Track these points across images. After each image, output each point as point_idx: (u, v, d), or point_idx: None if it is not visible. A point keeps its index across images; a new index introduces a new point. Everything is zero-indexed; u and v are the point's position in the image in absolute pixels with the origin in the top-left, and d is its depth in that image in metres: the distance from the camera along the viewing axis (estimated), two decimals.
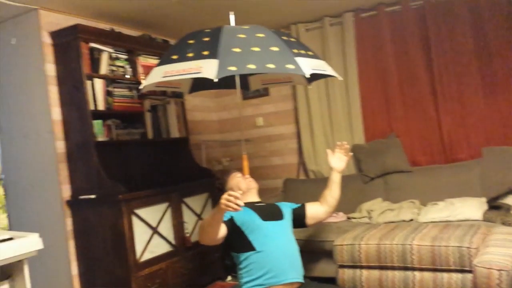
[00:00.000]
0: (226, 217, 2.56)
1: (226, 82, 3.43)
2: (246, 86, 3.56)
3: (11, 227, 3.00)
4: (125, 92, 3.63)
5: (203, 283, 3.84)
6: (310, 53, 2.77)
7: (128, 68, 3.69)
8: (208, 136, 5.00)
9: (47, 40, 3.37)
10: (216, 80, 2.33)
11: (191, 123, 4.52)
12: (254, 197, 2.89)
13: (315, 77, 3.43)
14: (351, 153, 2.92)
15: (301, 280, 2.62)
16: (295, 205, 2.90)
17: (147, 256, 3.33)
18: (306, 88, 4.56)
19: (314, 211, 2.88)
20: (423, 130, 4.15)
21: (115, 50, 3.61)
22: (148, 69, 3.83)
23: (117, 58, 3.63)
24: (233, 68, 2.40)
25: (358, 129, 4.37)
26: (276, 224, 2.67)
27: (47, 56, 3.36)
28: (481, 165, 3.70)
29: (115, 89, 3.54)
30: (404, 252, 2.66)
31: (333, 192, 2.86)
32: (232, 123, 5.14)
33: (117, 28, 3.84)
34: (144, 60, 3.82)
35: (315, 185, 4.24)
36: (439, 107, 4.05)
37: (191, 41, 2.66)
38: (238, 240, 2.56)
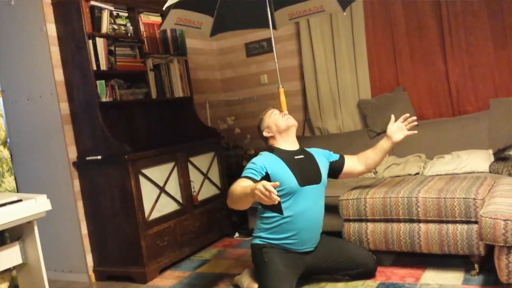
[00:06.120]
0: (260, 173, 2.47)
1: (250, 21, 3.28)
2: (272, 24, 3.28)
3: (18, 190, 3.03)
4: (127, 51, 3.58)
5: (211, 240, 3.90)
6: None
7: (130, 26, 3.62)
8: (212, 95, 4.96)
9: None
10: None
11: (195, 82, 4.47)
12: (292, 140, 2.70)
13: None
14: (416, 131, 2.75)
15: (313, 249, 2.64)
16: (332, 156, 2.80)
17: (155, 214, 3.37)
18: (312, 43, 4.47)
19: (351, 167, 2.80)
20: (431, 83, 4.09)
21: (116, 8, 3.54)
22: (150, 27, 3.77)
23: (118, 16, 3.56)
24: None
25: (364, 84, 4.31)
26: (312, 190, 2.56)
27: (48, 16, 3.28)
28: (489, 117, 3.66)
29: (117, 48, 3.49)
30: (410, 204, 2.66)
31: (377, 158, 2.77)
32: (236, 81, 5.09)
33: None
34: (145, 18, 3.75)
35: (322, 142, 4.26)
36: (447, 59, 3.97)
37: None
38: None
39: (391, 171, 3.63)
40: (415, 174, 3.48)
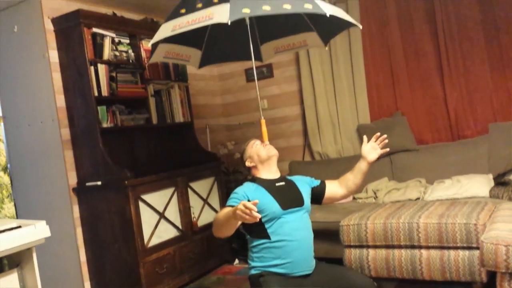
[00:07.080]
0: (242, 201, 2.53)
1: (237, 54, 3.37)
2: (258, 57, 3.39)
3: (18, 216, 3.02)
4: (128, 77, 3.62)
5: (210, 266, 3.86)
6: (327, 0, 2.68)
7: (131, 53, 3.67)
8: (213, 120, 4.98)
9: (50, 26, 3.35)
10: (229, 23, 2.24)
11: (195, 107, 4.50)
12: (273, 169, 2.74)
13: (331, 33, 3.26)
14: (388, 149, 2.72)
15: (310, 272, 2.63)
16: (314, 182, 2.80)
17: (154, 241, 3.35)
18: (311, 69, 4.51)
19: (333, 192, 2.79)
20: (429, 107, 4.12)
21: (118, 35, 3.59)
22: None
23: (120, 43, 3.62)
24: (246, 11, 2.29)
25: (363, 109, 4.34)
26: (296, 213, 2.59)
27: (50, 43, 3.34)
28: (488, 142, 3.67)
29: (119, 74, 3.53)
30: (411, 230, 2.65)
31: (356, 180, 2.73)
32: (236, 106, 5.12)
33: (119, 12, 3.82)
34: (147, 44, 3.79)
35: (321, 167, 4.27)
36: (445, 83, 4.00)
37: None
38: (253, 225, 2.45)
39: (392, 196, 3.62)
40: (416, 199, 3.47)
